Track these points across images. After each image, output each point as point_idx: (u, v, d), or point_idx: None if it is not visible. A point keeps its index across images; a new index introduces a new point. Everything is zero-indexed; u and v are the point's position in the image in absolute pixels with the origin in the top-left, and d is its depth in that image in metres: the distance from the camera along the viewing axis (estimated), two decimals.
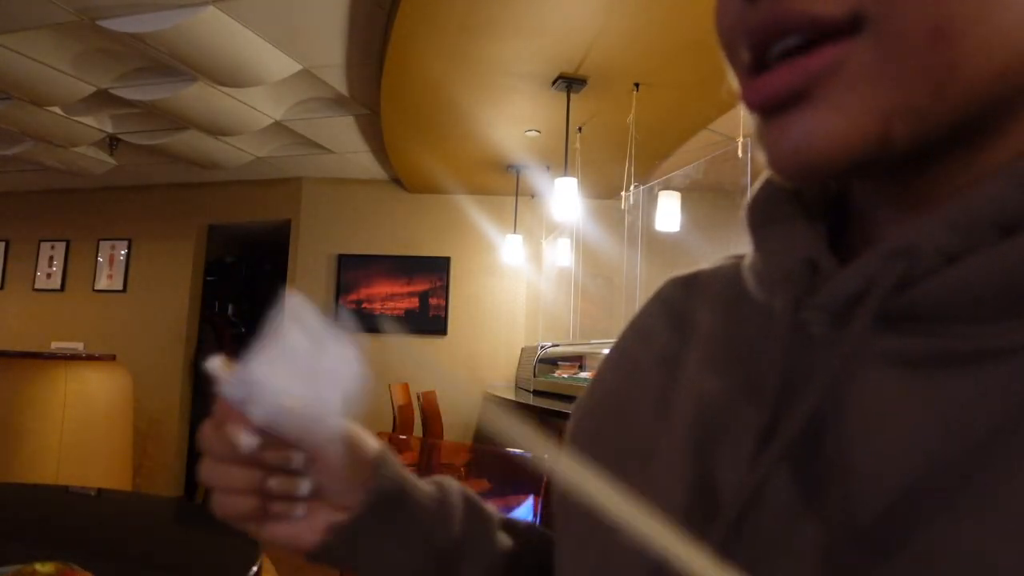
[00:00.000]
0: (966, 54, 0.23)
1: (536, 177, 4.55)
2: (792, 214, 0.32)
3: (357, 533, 0.42)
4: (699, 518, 0.30)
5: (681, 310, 0.40)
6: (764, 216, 0.34)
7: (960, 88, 0.24)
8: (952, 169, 0.27)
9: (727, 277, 0.38)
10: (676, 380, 0.37)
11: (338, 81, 3.44)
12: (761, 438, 0.29)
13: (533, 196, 5.00)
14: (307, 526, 0.42)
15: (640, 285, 4.00)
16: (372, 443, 0.44)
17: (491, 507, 0.49)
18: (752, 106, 0.28)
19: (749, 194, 0.35)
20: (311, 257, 5.22)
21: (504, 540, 0.48)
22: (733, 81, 0.29)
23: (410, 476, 0.46)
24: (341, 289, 5.16)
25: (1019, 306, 0.24)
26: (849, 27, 0.25)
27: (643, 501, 0.32)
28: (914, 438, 0.25)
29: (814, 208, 0.33)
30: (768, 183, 0.35)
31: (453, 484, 0.48)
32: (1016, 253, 0.24)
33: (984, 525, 0.22)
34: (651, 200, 3.72)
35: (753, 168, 2.97)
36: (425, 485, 0.46)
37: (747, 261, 0.35)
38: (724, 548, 0.27)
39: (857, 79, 0.25)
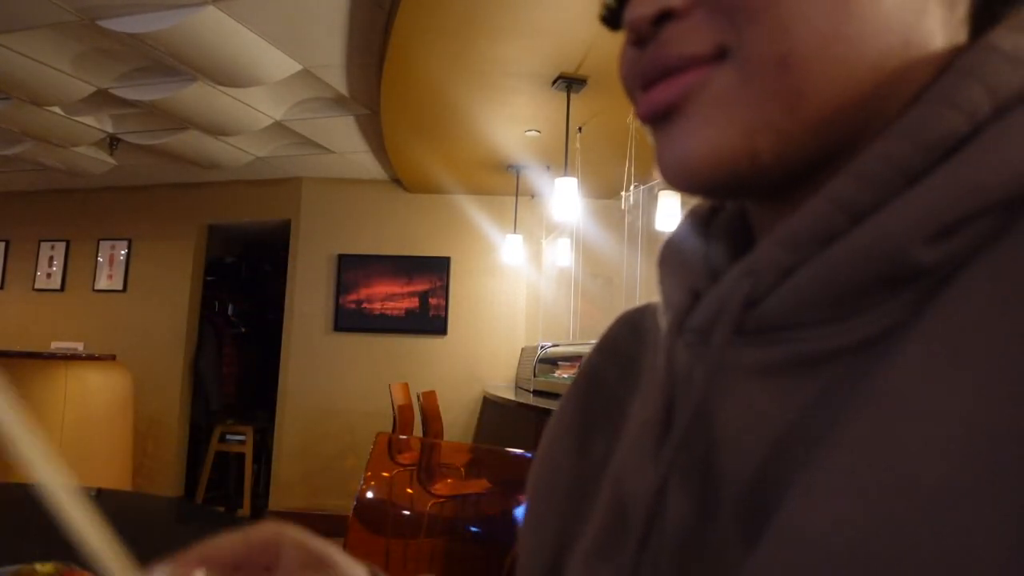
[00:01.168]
0: (809, 80, 0.27)
1: (536, 177, 4.55)
2: (692, 246, 0.36)
3: None
4: (617, 538, 0.33)
5: (631, 345, 0.43)
6: (670, 251, 0.38)
7: (810, 110, 0.27)
8: (808, 191, 0.30)
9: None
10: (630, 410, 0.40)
11: (338, 81, 3.44)
12: (654, 456, 0.32)
13: (533, 196, 4.99)
14: None
15: (640, 285, 4.00)
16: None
17: None
18: (641, 118, 0.32)
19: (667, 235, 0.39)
20: (311, 257, 5.22)
21: None
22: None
23: None
24: (341, 289, 5.16)
25: (842, 309, 0.27)
26: (716, 59, 0.29)
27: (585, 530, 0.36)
28: (760, 438, 0.29)
29: (721, 236, 0.36)
30: (684, 219, 0.39)
31: None
32: (830, 262, 0.27)
33: (815, 502, 0.25)
34: (651, 200, 3.72)
35: None
36: None
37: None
38: (637, 562, 0.30)
39: (721, 97, 0.29)
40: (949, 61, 0.28)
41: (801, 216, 0.28)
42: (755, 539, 0.27)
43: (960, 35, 0.29)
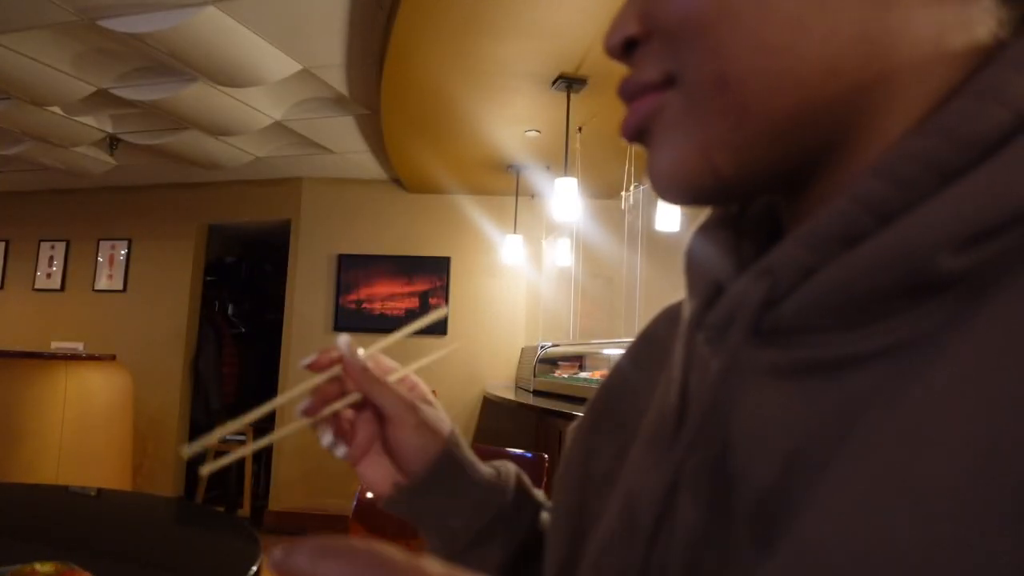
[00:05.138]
0: (752, 95, 0.28)
1: (536, 177, 4.55)
2: (721, 237, 0.35)
3: (415, 493, 0.51)
4: (627, 536, 0.34)
5: (665, 341, 0.44)
6: (697, 241, 0.37)
7: (759, 123, 0.28)
8: (823, 189, 0.30)
9: None
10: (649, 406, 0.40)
11: (338, 81, 3.44)
12: (665, 454, 0.32)
13: (533, 196, 5.00)
14: (382, 480, 0.52)
15: (640, 285, 4.00)
16: (446, 425, 0.54)
17: (540, 494, 0.57)
18: (625, 138, 0.34)
19: (697, 221, 0.39)
20: (311, 257, 5.22)
21: (544, 522, 0.54)
22: None
23: (472, 456, 0.54)
24: (341, 289, 5.16)
25: (864, 314, 0.26)
26: (665, 85, 0.30)
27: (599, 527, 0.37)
28: (777, 443, 0.28)
29: (751, 228, 0.36)
30: (714, 208, 0.38)
31: (511, 468, 0.56)
32: (851, 265, 0.25)
33: (832, 515, 0.24)
34: (651, 200, 3.72)
35: None
36: (485, 466, 0.54)
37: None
38: (645, 563, 0.30)
39: (674, 120, 0.30)
40: (990, 54, 0.26)
41: (824, 215, 0.27)
42: (767, 547, 0.26)
43: (988, 25, 0.26)
